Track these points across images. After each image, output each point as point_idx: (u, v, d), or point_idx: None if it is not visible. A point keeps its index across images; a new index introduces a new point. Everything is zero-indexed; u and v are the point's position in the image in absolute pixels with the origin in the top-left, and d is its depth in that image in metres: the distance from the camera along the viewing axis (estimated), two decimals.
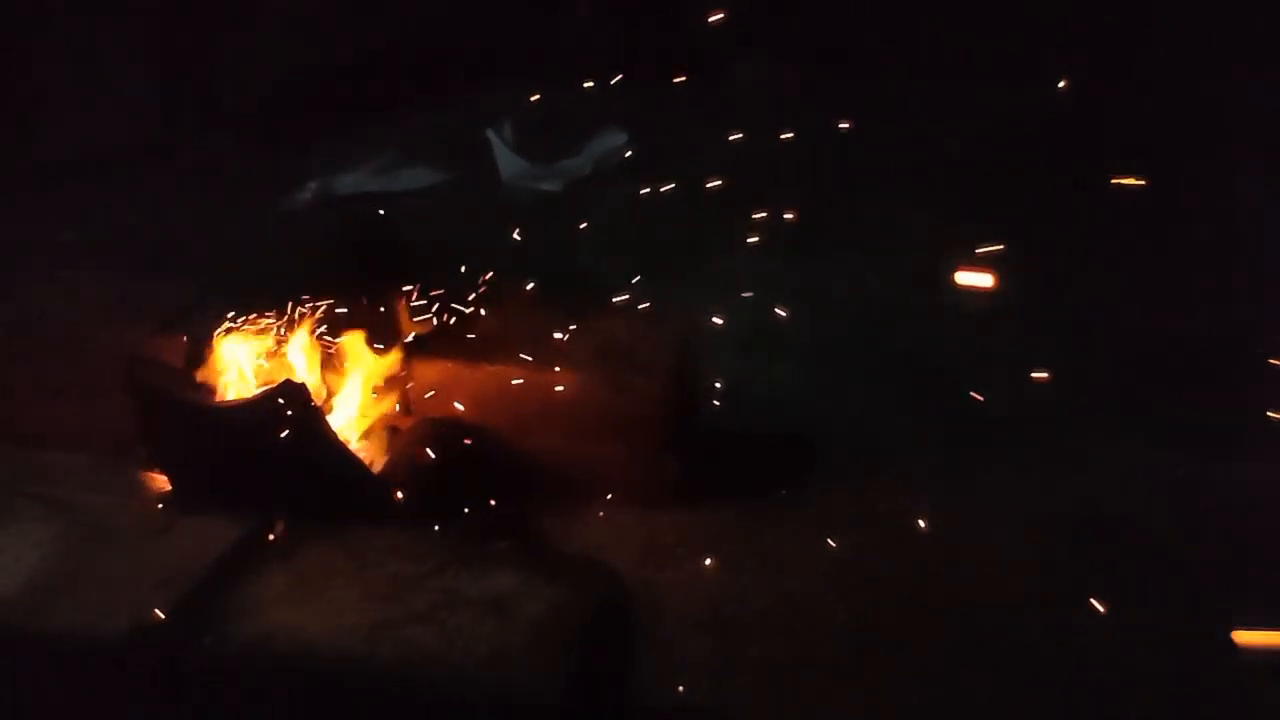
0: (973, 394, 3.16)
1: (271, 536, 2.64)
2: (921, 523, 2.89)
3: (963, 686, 2.47)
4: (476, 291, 3.28)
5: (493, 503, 2.88)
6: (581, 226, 4.14)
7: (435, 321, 3.20)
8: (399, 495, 2.85)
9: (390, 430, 3.09)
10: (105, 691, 2.42)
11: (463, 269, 3.40)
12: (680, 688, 2.46)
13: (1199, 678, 2.48)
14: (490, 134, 5.49)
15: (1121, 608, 2.60)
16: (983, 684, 2.47)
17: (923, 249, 3.74)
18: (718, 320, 3.33)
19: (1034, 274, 3.50)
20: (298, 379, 2.90)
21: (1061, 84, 3.86)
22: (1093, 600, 2.60)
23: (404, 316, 3.22)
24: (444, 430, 3.01)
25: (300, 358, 3.11)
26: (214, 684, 2.36)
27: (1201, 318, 3.74)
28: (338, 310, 3.18)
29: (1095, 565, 2.78)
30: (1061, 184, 4.18)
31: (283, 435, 2.74)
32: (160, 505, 2.83)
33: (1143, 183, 3.46)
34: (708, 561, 2.81)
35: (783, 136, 4.04)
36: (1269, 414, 2.99)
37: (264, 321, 3.15)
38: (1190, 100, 4.17)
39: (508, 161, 5.44)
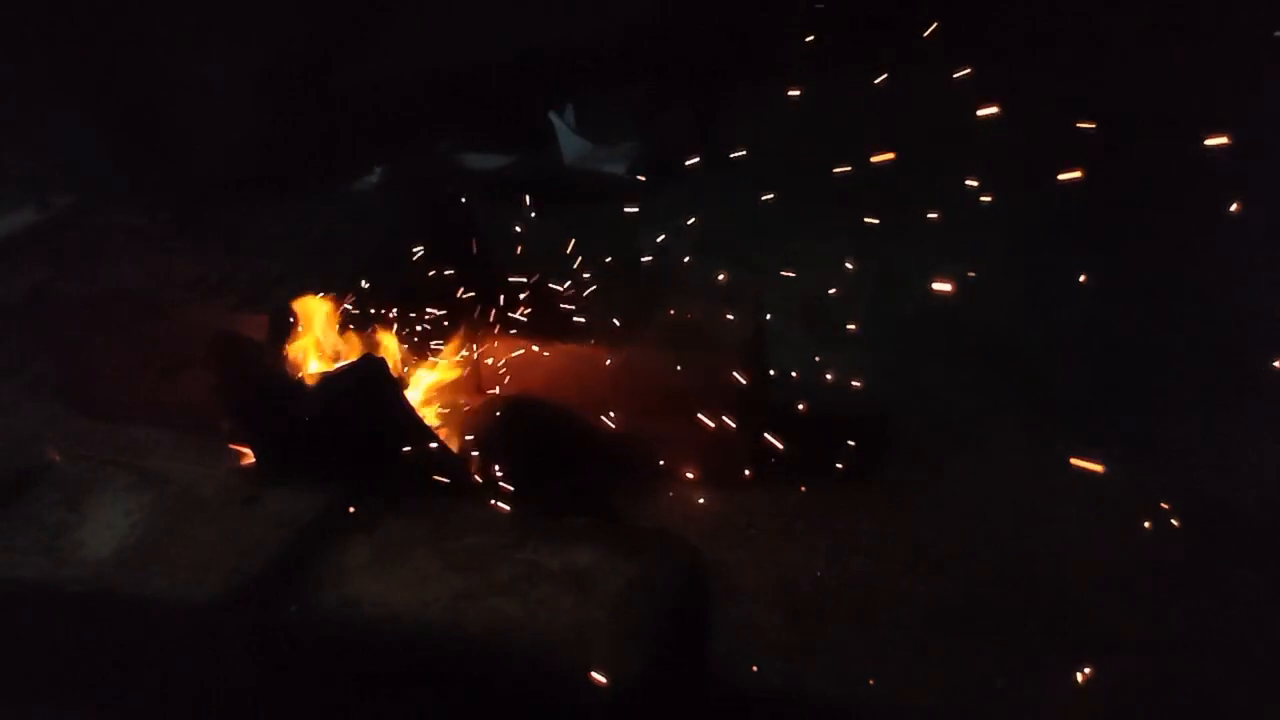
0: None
1: (353, 508, 2.69)
2: (999, 505, 2.86)
3: (1042, 670, 2.45)
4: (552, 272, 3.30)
5: (569, 479, 2.91)
6: (651, 210, 4.13)
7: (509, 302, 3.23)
8: (476, 469, 2.88)
9: (467, 406, 3.13)
10: (193, 654, 2.49)
11: (534, 251, 3.42)
12: (754, 667, 2.47)
13: None
14: (553, 117, 5.49)
15: (1212, 593, 2.55)
16: (1064, 667, 2.44)
17: (1000, 231, 3.69)
18: (792, 301, 3.31)
19: (1122, 255, 3.43)
20: (377, 355, 2.95)
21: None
22: (1179, 584, 2.55)
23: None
24: (520, 407, 3.05)
25: (379, 334, 3.16)
26: (299, 649, 2.42)
27: None
28: (414, 289, 3.22)
29: (1182, 550, 2.73)
30: (1146, 167, 4.08)
31: (362, 409, 2.79)
32: (245, 476, 2.89)
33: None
34: (782, 540, 2.81)
35: (852, 117, 3.99)
36: None
37: (343, 298, 3.20)
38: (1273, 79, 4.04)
39: (570, 144, 5.45)
